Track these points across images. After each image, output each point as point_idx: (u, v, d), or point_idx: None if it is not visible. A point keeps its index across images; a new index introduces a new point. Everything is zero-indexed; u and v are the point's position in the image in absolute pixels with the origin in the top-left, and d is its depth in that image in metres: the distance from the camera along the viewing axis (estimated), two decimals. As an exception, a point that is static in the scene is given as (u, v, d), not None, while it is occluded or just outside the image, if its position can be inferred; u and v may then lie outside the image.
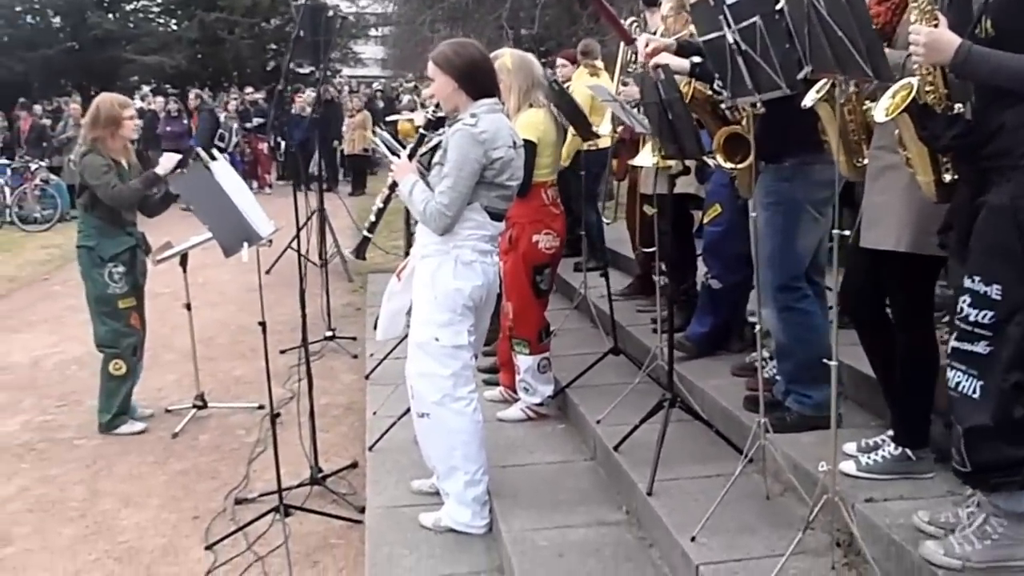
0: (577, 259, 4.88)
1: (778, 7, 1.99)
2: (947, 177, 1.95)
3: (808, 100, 2.17)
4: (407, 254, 5.57)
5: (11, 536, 3.22)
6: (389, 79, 25.29)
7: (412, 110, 11.02)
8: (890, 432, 2.55)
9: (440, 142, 2.96)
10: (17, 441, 4.12)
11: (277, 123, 10.72)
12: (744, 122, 2.66)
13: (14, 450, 4.01)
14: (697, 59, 2.67)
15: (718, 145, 2.67)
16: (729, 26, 2.08)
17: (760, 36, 2.00)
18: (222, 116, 13.82)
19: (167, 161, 4.04)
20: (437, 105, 3.03)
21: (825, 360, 2.16)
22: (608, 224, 5.63)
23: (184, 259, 4.25)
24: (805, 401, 2.87)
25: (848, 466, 2.49)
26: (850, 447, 2.61)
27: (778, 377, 3.04)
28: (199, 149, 3.43)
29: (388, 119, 7.90)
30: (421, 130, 3.03)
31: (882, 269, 2.32)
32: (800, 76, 1.98)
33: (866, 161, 2.32)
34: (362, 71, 29.90)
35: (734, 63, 2.15)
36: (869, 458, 2.52)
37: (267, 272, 3.05)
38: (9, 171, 12.01)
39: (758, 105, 2.23)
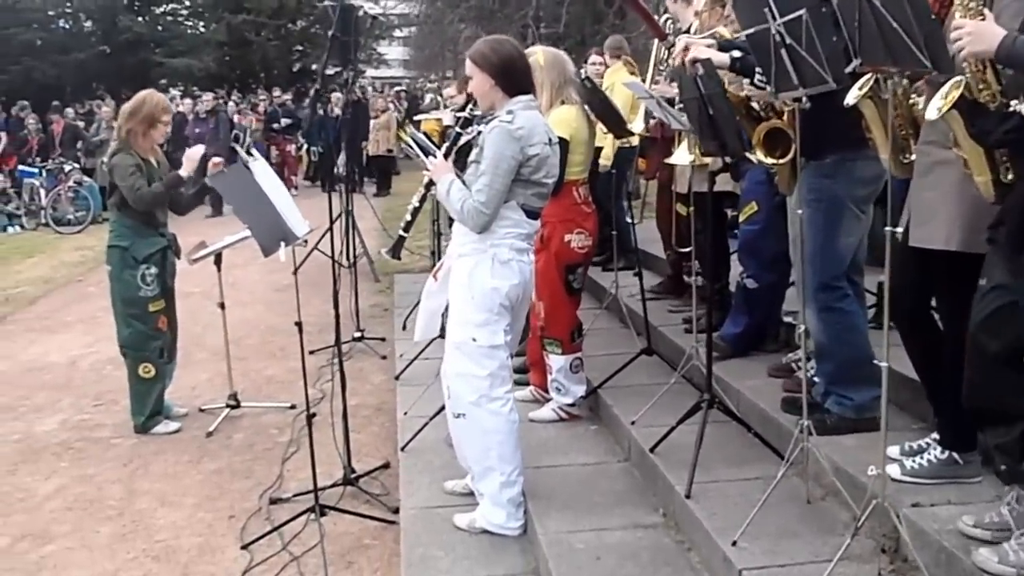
0: (599, 257, 4.83)
1: None
2: (1009, 176, 1.89)
3: (851, 98, 2.12)
4: (433, 254, 5.61)
5: (51, 534, 3.26)
6: (413, 79, 25.39)
7: (434, 109, 11.05)
8: (935, 435, 2.49)
9: (470, 141, 2.95)
10: (56, 440, 4.18)
11: (309, 125, 10.77)
12: (785, 117, 2.61)
13: (53, 449, 4.07)
14: (737, 53, 2.62)
15: (758, 140, 2.62)
16: (774, 19, 2.03)
17: (806, 29, 1.96)
18: (235, 118, 13.94)
19: (189, 162, 4.07)
20: (465, 104, 3.02)
21: (875, 361, 2.10)
22: (635, 224, 5.56)
23: (218, 259, 4.28)
24: (845, 403, 2.81)
25: (893, 470, 2.43)
26: (893, 450, 2.55)
27: (816, 379, 2.99)
28: (239, 148, 3.45)
29: (414, 118, 7.91)
30: (456, 129, 3.01)
31: (929, 268, 2.26)
32: (848, 70, 1.93)
33: (913, 157, 2.26)
34: (386, 72, 30.07)
35: (778, 57, 2.10)
36: (914, 462, 2.46)
37: (293, 272, 3.07)
38: (44, 173, 12.24)
39: (803, 100, 2.18)
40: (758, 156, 2.61)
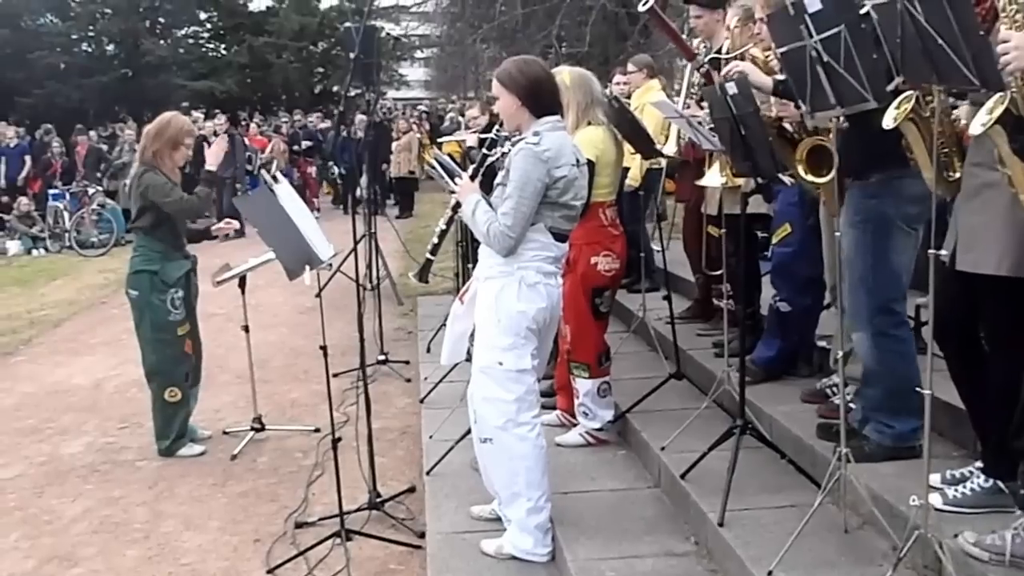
0: (625, 279, 4.78)
1: (863, 11, 1.90)
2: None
3: (888, 121, 2.08)
4: (458, 276, 5.59)
5: (77, 557, 3.24)
6: (433, 100, 25.59)
7: (455, 130, 11.08)
8: (978, 463, 2.41)
9: (494, 161, 2.93)
10: (81, 462, 4.18)
11: (332, 147, 10.82)
12: (830, 135, 2.56)
13: (79, 471, 4.07)
14: (781, 76, 2.59)
15: (801, 157, 2.56)
16: (810, 36, 1.99)
17: (845, 46, 1.92)
18: (245, 140, 14.09)
19: (214, 156, 4.11)
20: (490, 125, 3.01)
21: (918, 388, 2.04)
22: (665, 249, 5.49)
23: (242, 281, 4.28)
24: (885, 431, 2.73)
25: (934, 499, 2.35)
26: (934, 479, 2.47)
27: (852, 405, 2.91)
28: (263, 171, 3.46)
29: (439, 140, 7.94)
30: (483, 150, 3.00)
31: (977, 293, 2.20)
32: (890, 88, 1.89)
33: (957, 175, 2.20)
34: (407, 93, 30.37)
35: (814, 75, 2.06)
36: (956, 491, 2.39)
37: (316, 296, 3.06)
38: (68, 196, 12.40)
39: (840, 119, 2.14)
40: (800, 174, 2.56)
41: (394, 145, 13.77)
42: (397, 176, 13.58)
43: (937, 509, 2.33)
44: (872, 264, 2.66)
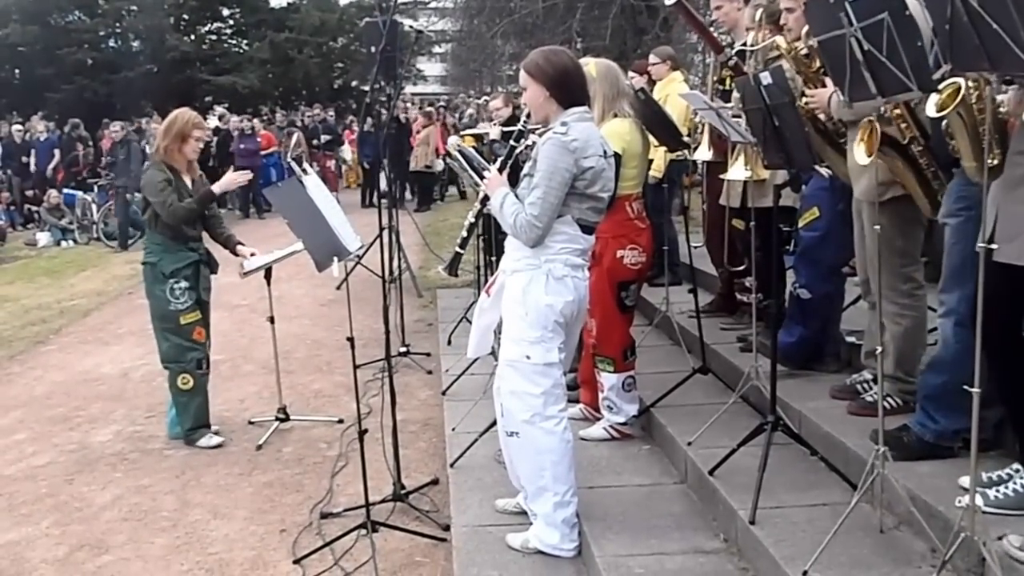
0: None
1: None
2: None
3: (931, 110, 2.02)
4: (478, 269, 5.57)
5: (107, 544, 3.28)
6: (451, 95, 25.58)
7: (474, 126, 11.02)
8: (1018, 464, 2.35)
9: (520, 153, 2.90)
10: (111, 451, 4.22)
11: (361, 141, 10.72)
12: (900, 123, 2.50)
13: (108, 459, 4.11)
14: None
15: (865, 137, 2.49)
16: (851, 24, 1.94)
17: (888, 33, 1.86)
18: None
19: (223, 185, 4.15)
20: (516, 117, 2.97)
21: (965, 386, 1.99)
22: (695, 246, 5.41)
23: (268, 273, 4.29)
24: (929, 425, 2.66)
25: (976, 500, 2.29)
26: (969, 480, 2.41)
27: (889, 402, 2.84)
28: (293, 164, 3.47)
29: (462, 134, 7.92)
30: (510, 142, 2.98)
31: (1019, 285, 2.14)
32: (937, 76, 1.83)
33: (995, 162, 2.14)
34: (424, 88, 30.38)
35: (854, 64, 2.01)
36: (998, 491, 2.34)
37: (337, 288, 3.04)
38: (96, 188, 12.55)
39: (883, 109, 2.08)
40: (856, 152, 2.48)
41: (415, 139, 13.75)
42: (415, 170, 13.58)
43: (981, 511, 2.27)
44: (972, 255, 2.58)
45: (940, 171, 2.61)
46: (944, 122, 2.25)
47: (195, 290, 4.08)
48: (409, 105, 16.14)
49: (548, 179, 2.61)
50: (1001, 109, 2.13)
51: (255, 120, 15.08)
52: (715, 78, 4.08)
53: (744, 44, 3.70)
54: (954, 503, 2.31)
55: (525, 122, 2.98)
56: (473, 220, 3.10)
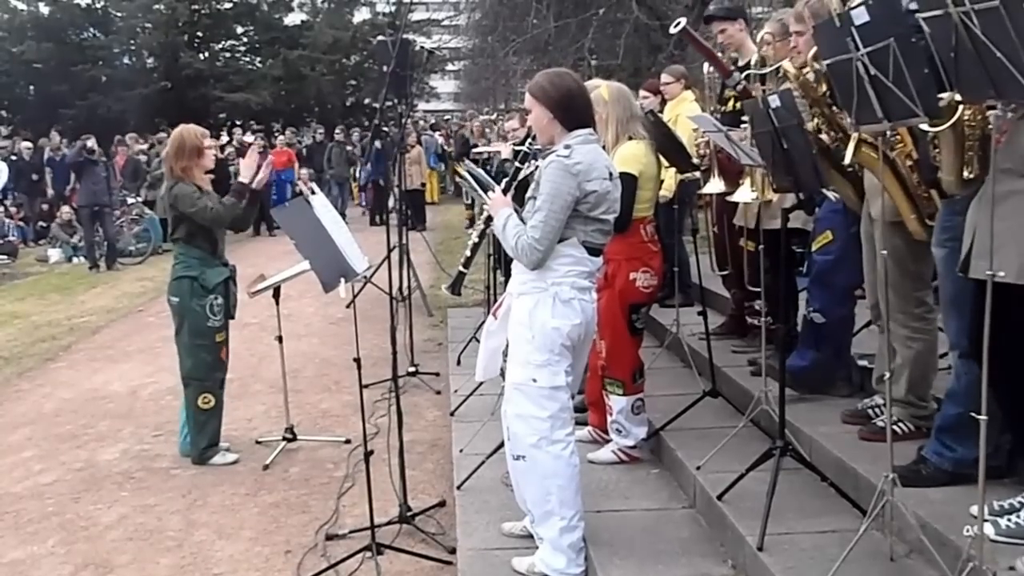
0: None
1: (915, 12, 1.84)
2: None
3: (924, 124, 2.00)
4: (488, 288, 5.57)
5: (112, 564, 3.26)
6: (462, 112, 25.74)
7: (476, 145, 11.05)
8: (1026, 494, 2.32)
9: (527, 175, 2.90)
10: (117, 469, 4.22)
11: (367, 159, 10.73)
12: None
13: (114, 478, 4.11)
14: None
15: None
16: (857, 49, 1.94)
17: (894, 59, 1.86)
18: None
19: (246, 168, 4.08)
20: (525, 139, 2.98)
21: (972, 414, 1.96)
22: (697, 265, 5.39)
23: (276, 292, 4.30)
24: (946, 454, 2.61)
25: (987, 529, 2.26)
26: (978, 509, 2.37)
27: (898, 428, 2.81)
28: (301, 184, 3.48)
29: (474, 151, 7.94)
30: (516, 163, 2.98)
31: (1012, 310, 2.10)
32: (943, 102, 1.83)
33: (971, 176, 2.13)
34: (436, 105, 30.60)
35: (860, 88, 2.01)
36: (1009, 520, 2.29)
37: (347, 306, 3.05)
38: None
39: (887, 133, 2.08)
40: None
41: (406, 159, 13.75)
42: (408, 189, 13.60)
43: (991, 540, 2.24)
44: (963, 285, 2.57)
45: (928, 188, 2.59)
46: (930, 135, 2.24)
47: (226, 307, 4.08)
48: (409, 124, 16.15)
49: (550, 202, 2.61)
50: (990, 126, 2.12)
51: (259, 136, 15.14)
52: (715, 105, 4.07)
53: (748, 66, 3.70)
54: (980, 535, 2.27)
55: (531, 143, 2.99)
56: (477, 240, 3.09)
